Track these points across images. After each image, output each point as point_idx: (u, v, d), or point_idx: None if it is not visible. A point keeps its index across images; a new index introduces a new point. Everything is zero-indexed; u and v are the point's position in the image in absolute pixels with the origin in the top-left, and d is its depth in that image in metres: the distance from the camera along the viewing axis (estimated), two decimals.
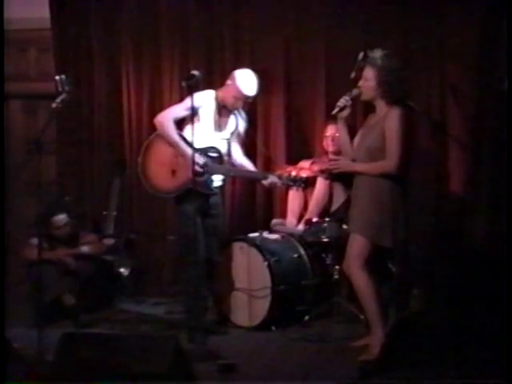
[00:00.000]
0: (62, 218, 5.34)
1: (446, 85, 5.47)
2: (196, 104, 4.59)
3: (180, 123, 4.85)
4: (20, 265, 5.32)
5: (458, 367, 3.75)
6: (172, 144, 4.76)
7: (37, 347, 3.90)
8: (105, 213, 6.03)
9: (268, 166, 5.51)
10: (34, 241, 4.90)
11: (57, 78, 4.36)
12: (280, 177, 4.72)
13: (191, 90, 4.51)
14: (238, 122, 4.96)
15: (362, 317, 4.67)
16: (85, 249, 5.38)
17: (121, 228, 6.08)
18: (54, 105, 4.27)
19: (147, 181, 4.93)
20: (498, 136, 5.31)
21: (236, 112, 4.93)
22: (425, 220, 5.37)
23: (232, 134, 4.95)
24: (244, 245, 5.04)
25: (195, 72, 4.58)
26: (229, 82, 4.85)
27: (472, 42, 5.42)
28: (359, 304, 4.44)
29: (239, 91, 4.79)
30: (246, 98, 4.84)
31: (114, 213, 6.04)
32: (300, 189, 4.87)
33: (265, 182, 4.81)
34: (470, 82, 5.44)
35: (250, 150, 5.30)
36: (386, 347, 4.05)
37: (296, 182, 4.69)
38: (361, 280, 4.24)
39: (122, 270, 5.89)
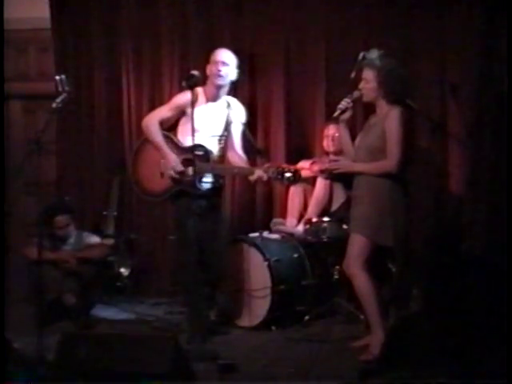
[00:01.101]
0: (65, 217, 5.32)
1: (445, 85, 5.47)
2: (184, 102, 4.59)
3: (176, 123, 4.83)
4: (20, 264, 5.31)
5: (458, 367, 3.76)
6: (156, 147, 4.73)
7: (37, 347, 3.90)
8: (105, 213, 6.05)
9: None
10: (36, 240, 4.88)
11: (57, 77, 4.35)
12: (266, 170, 4.42)
13: (191, 89, 4.50)
14: (229, 117, 4.82)
15: (362, 317, 4.67)
16: (89, 253, 5.35)
17: (121, 228, 6.09)
18: (54, 105, 4.26)
19: (138, 184, 4.90)
20: (497, 136, 5.32)
21: (229, 107, 4.80)
22: (425, 220, 5.37)
23: (225, 129, 4.82)
24: (244, 245, 5.03)
25: (195, 72, 4.56)
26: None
27: (472, 42, 5.42)
28: (359, 304, 4.44)
29: (214, 59, 4.69)
30: (223, 63, 4.67)
31: (114, 213, 6.05)
32: (290, 183, 4.46)
33: (251, 178, 4.55)
34: (469, 81, 5.44)
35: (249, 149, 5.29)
36: (386, 347, 4.05)
37: (283, 174, 4.32)
38: (361, 280, 4.24)
39: (122, 270, 5.90)
